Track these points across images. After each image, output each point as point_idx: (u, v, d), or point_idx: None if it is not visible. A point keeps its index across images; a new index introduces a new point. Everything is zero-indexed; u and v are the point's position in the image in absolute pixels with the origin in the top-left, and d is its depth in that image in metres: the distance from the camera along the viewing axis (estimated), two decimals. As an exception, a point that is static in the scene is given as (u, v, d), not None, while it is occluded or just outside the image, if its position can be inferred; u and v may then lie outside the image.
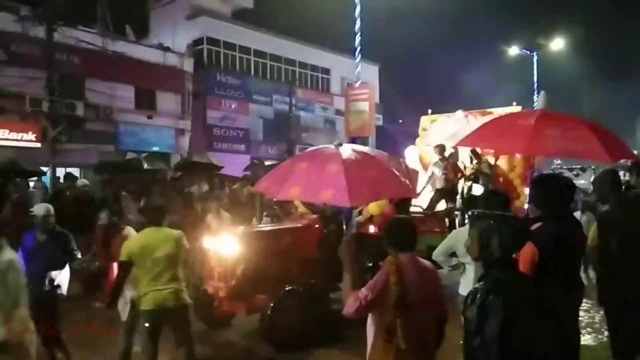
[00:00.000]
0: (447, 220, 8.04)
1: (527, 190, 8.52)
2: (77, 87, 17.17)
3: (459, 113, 9.53)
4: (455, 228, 7.49)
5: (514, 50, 28.50)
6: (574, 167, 21.44)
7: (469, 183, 8.62)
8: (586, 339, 5.50)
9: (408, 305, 2.49)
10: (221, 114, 23.48)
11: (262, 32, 25.68)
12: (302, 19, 26.95)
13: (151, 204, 4.26)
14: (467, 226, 4.05)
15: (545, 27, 44.11)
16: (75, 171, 16.69)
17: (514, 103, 9.28)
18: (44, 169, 14.20)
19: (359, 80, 16.40)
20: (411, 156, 9.93)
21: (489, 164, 8.58)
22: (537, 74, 27.57)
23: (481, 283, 2.58)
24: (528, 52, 28.25)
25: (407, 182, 2.82)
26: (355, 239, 3.12)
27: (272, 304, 5.10)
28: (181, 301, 3.77)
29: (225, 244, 5.51)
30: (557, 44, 28.03)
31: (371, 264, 5.85)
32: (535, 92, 27.05)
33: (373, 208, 6.44)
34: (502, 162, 8.87)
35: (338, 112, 27.30)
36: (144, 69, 18.99)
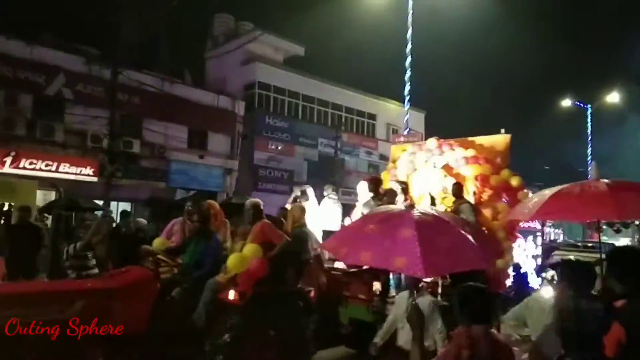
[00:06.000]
0: (376, 283, 5.83)
1: (512, 246, 6.96)
2: (136, 126, 18.03)
3: (432, 142, 7.78)
4: (388, 293, 5.68)
5: (566, 102, 27.93)
6: (614, 222, 20.12)
7: None
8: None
9: (482, 383, 2.33)
10: (267, 155, 23.96)
11: (311, 78, 26.39)
12: (351, 66, 27.61)
13: None
14: (544, 293, 3.85)
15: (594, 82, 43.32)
16: (127, 205, 17.33)
17: (502, 130, 7.71)
18: (98, 202, 14.84)
19: (407, 128, 16.41)
20: (363, 193, 7.97)
21: (471, 207, 6.45)
22: (591, 126, 26.77)
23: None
24: (581, 105, 27.57)
25: (486, 250, 2.69)
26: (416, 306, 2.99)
27: None
28: None
29: None
30: (613, 97, 27.34)
31: (231, 342, 4.24)
32: (589, 145, 26.23)
33: (234, 262, 4.71)
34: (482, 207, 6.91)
35: (382, 157, 27.29)
36: (198, 110, 19.78)
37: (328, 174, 24.82)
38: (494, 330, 2.63)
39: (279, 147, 24.46)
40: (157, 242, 5.43)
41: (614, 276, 2.91)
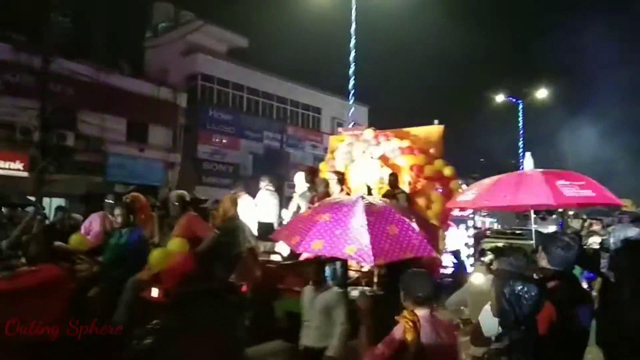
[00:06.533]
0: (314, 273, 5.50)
1: (445, 234, 7.07)
2: (69, 118, 17.11)
3: (368, 133, 7.73)
4: (325, 282, 4.98)
5: (500, 98, 29.35)
6: (540, 210, 21.11)
7: None
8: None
9: (424, 363, 2.44)
10: (212, 149, 23.49)
11: (255, 71, 26.08)
12: (295, 60, 27.54)
13: None
14: (479, 278, 4.02)
15: (531, 77, 45.73)
16: (61, 201, 16.45)
17: (436, 121, 7.78)
18: (31, 198, 13.98)
19: (352, 122, 16.64)
20: (300, 184, 7.78)
21: (406, 196, 6.50)
22: (523, 121, 28.29)
23: (499, 344, 2.55)
24: (513, 100, 29.07)
25: (430, 238, 2.81)
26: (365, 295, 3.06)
27: None
28: None
29: None
30: (542, 93, 28.96)
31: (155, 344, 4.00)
32: (521, 138, 27.74)
33: (157, 258, 4.45)
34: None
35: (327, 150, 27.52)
36: (137, 102, 19.04)
37: (274, 168, 24.69)
38: (436, 313, 2.76)
39: (224, 141, 24.04)
40: (75, 239, 5.08)
41: (547, 259, 3.13)
